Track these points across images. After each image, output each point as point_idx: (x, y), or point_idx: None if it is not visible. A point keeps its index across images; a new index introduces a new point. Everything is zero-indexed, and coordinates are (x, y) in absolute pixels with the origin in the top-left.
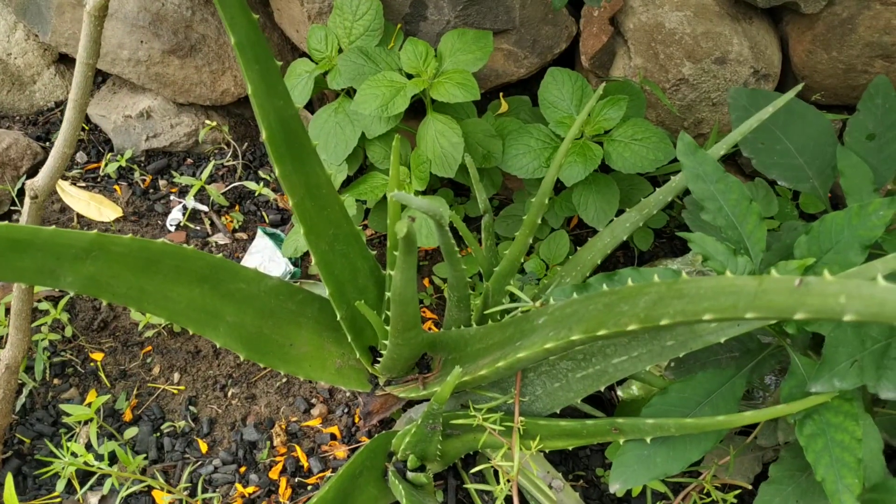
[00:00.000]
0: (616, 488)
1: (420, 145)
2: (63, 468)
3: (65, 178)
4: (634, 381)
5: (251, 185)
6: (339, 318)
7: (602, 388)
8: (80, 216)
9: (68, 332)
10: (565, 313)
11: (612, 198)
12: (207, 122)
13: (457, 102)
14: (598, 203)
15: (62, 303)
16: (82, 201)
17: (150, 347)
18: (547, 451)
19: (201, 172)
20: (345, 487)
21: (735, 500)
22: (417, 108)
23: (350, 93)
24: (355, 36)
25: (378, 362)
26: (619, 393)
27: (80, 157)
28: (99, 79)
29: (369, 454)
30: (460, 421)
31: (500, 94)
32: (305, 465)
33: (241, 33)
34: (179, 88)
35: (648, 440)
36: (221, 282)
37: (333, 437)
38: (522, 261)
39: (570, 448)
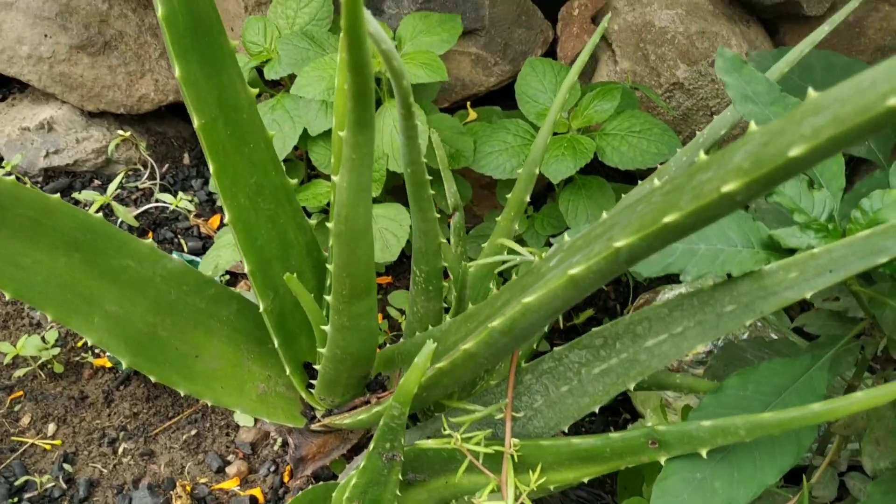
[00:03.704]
0: None
1: (375, 139)
2: None
3: None
4: (651, 401)
5: (167, 198)
6: (262, 309)
7: (631, 387)
8: None
9: None
10: (595, 234)
11: (606, 203)
12: (120, 132)
13: (419, 89)
14: (591, 209)
15: None
16: None
17: (20, 392)
18: (552, 487)
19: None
20: None
21: None
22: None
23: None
24: (299, 27)
25: (314, 386)
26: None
27: None
28: None
29: None
30: (429, 444)
31: (468, 103)
32: None
33: None
34: (89, 92)
35: (704, 454)
36: (101, 253)
37: (254, 501)
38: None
39: (586, 480)
